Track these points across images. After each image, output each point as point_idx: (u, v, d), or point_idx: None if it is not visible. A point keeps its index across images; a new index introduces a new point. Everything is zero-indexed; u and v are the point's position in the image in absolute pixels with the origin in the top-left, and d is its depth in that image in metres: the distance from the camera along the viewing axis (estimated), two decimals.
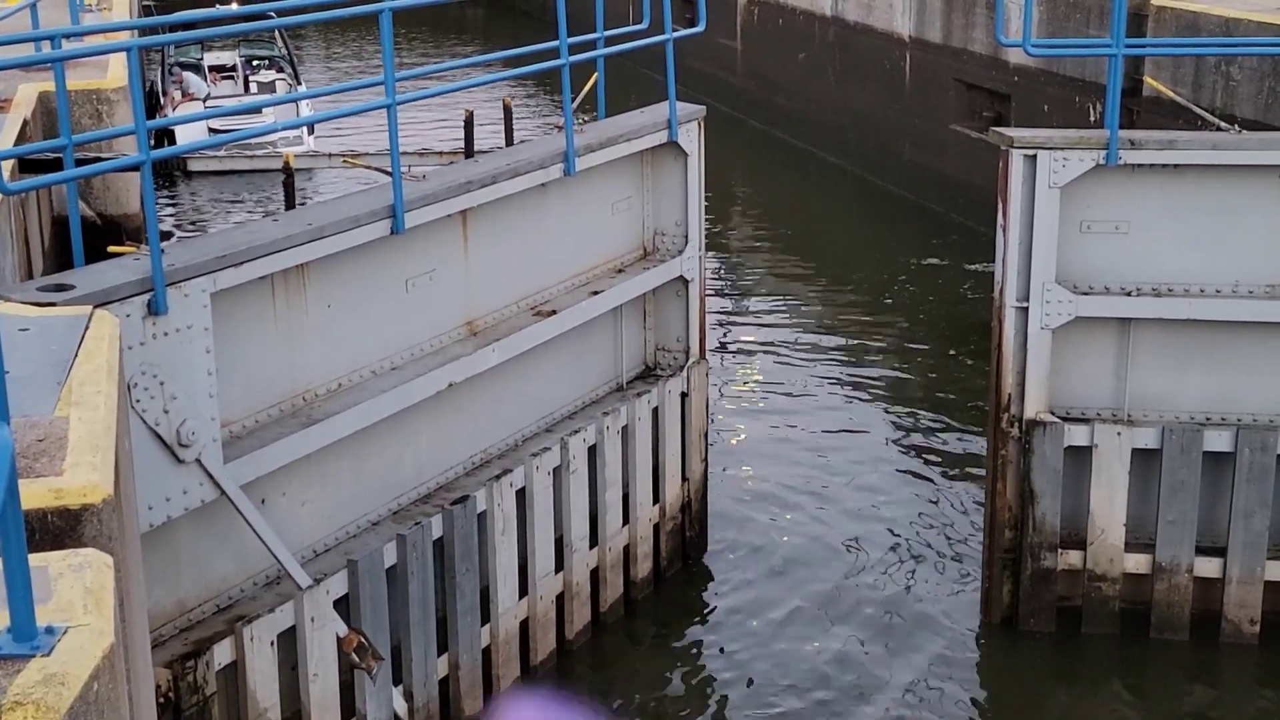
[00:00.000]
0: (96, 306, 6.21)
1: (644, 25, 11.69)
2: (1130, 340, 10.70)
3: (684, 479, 11.94)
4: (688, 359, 11.81)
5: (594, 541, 10.90)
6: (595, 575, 10.98)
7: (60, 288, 6.85)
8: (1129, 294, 10.56)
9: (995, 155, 10.61)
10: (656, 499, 11.59)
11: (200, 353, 7.49)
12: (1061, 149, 10.27)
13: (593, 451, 10.76)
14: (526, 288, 10.51)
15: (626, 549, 11.30)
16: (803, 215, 23.56)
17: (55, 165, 8.34)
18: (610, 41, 11.21)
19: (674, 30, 11.70)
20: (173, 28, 14.70)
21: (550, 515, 10.37)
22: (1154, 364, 10.72)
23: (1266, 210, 10.42)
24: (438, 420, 9.79)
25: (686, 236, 11.59)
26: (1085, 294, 10.53)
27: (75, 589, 3.80)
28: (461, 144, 15.53)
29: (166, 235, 20.23)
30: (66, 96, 7.90)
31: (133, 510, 5.73)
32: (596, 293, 10.88)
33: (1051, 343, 10.55)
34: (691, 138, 11.46)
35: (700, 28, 12.13)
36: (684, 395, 11.76)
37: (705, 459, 12.24)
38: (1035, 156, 10.28)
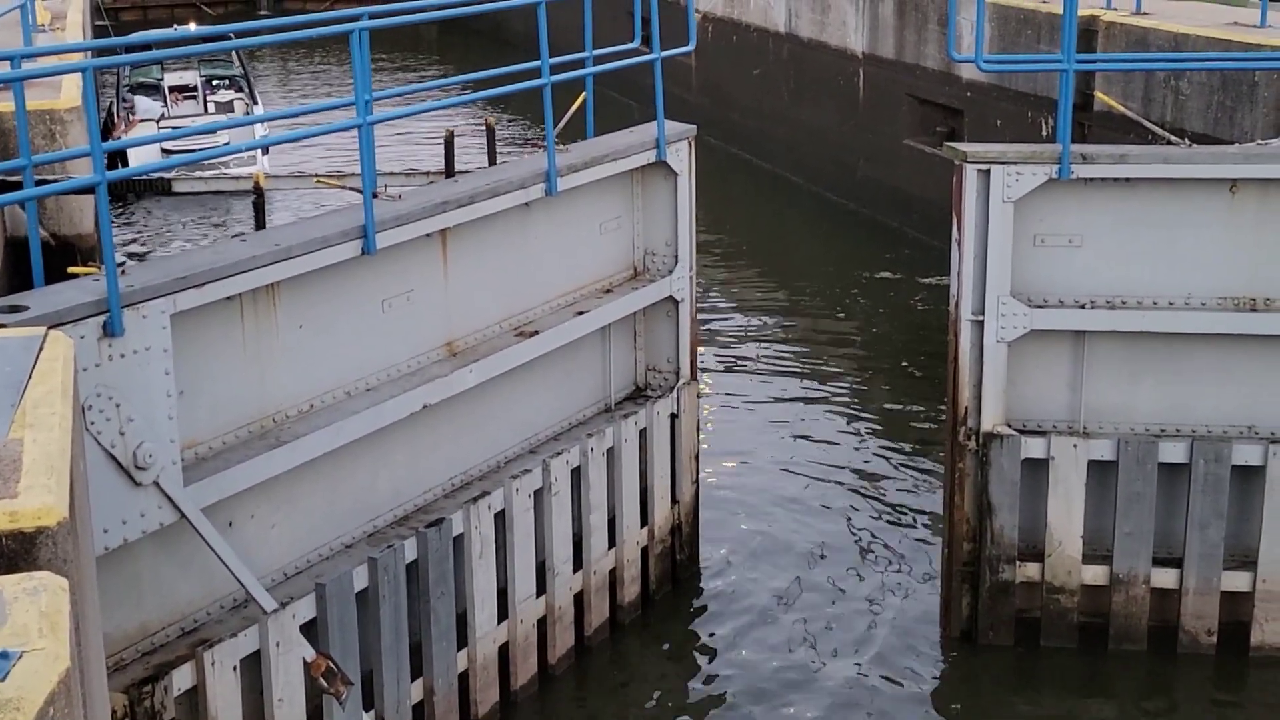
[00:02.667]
0: (51, 328, 6.15)
1: (635, 44, 11.64)
2: (1085, 353, 10.79)
3: (674, 501, 11.84)
4: (678, 380, 11.73)
5: (578, 565, 10.81)
6: (580, 599, 10.89)
7: (14, 309, 6.79)
8: (1083, 307, 10.64)
9: (948, 170, 10.69)
10: (645, 521, 11.49)
11: (159, 374, 7.42)
12: (1014, 163, 10.35)
13: (577, 473, 10.68)
14: (509, 308, 10.42)
15: (613, 572, 11.21)
16: (757, 230, 23.63)
17: (8, 187, 8.28)
18: (598, 60, 11.14)
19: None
20: (130, 48, 14.61)
21: (531, 538, 10.27)
22: (1109, 376, 10.81)
23: (1217, 223, 10.53)
24: (416, 442, 9.70)
25: (676, 256, 11.50)
26: (1040, 307, 10.61)
27: (30, 613, 3.76)
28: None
29: (137, 255, 20.15)
30: (26, 116, 7.83)
31: (88, 533, 5.68)
32: (582, 313, 10.79)
33: (1007, 356, 10.62)
34: (681, 157, 11.39)
35: (691, 46, 12.07)
36: (674, 416, 11.67)
37: (696, 481, 12.15)
38: (989, 171, 10.35)
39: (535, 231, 10.56)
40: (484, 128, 15.90)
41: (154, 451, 7.34)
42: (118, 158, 21.40)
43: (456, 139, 15.04)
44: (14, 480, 4.54)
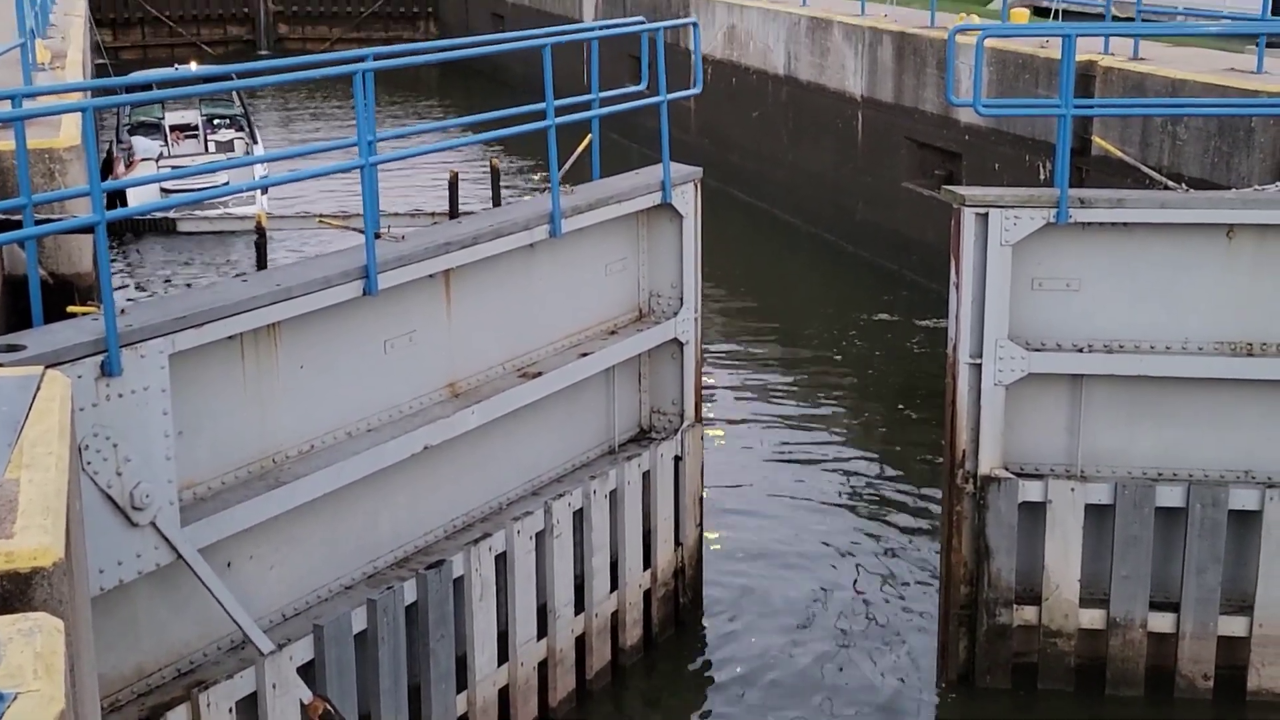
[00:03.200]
0: (48, 367, 6.16)
1: (642, 86, 11.64)
2: (1082, 396, 10.80)
3: (677, 544, 11.78)
4: (682, 422, 11.68)
5: (580, 607, 10.75)
6: (581, 642, 10.82)
7: (12, 348, 6.79)
8: (1080, 350, 10.66)
9: (946, 213, 10.72)
10: (648, 564, 11.43)
11: (157, 414, 7.41)
12: (1013, 207, 10.38)
13: (579, 515, 10.62)
14: (513, 349, 10.39)
15: (615, 615, 11.14)
16: (756, 271, 23.68)
17: (8, 226, 8.29)
18: (605, 103, 11.13)
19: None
20: (131, 88, 14.66)
21: (532, 580, 10.21)
22: (1106, 420, 10.82)
23: (1214, 268, 10.56)
24: (417, 483, 9.66)
25: (682, 298, 11.48)
26: (1037, 350, 10.62)
27: (25, 654, 3.75)
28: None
29: (136, 295, 20.14)
30: (27, 155, 7.85)
31: (84, 574, 5.67)
32: (586, 354, 10.75)
33: (1005, 399, 10.62)
34: (687, 200, 11.37)
35: (697, 89, 12.08)
36: (678, 459, 11.61)
37: (700, 524, 12.07)
38: (987, 215, 10.39)
39: (540, 272, 10.54)
40: (489, 169, 15.95)
41: (151, 492, 7.32)
42: (116, 197, 21.46)
43: (462, 180, 15.06)
44: (10, 520, 4.54)
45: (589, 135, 11.21)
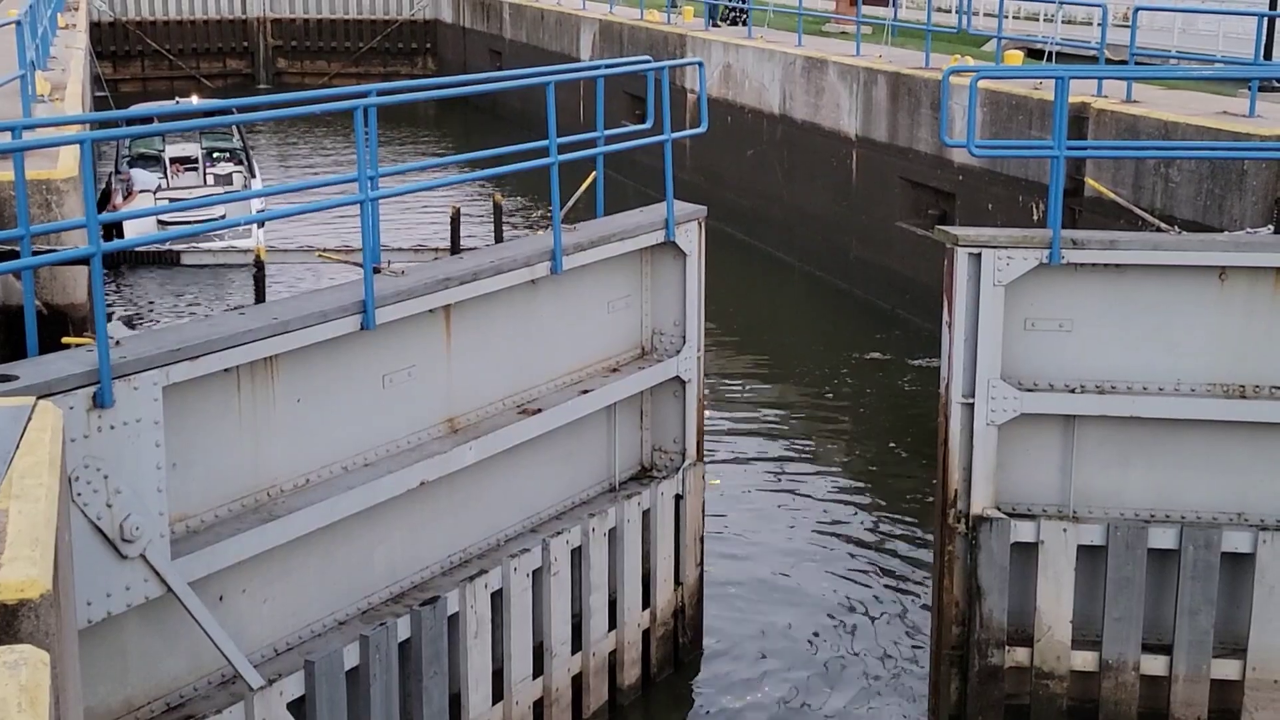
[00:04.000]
0: (40, 398, 6.16)
1: (647, 125, 11.63)
2: (1075, 437, 10.79)
3: (677, 583, 11.72)
4: (684, 460, 11.62)
5: (577, 646, 10.68)
6: (578, 681, 10.74)
7: (4, 378, 6.78)
8: (1073, 391, 10.66)
9: (939, 252, 10.75)
10: (647, 603, 11.35)
11: (149, 446, 7.39)
12: (1005, 248, 10.41)
13: (577, 553, 10.56)
14: (514, 385, 10.34)
15: (613, 654, 11.06)
16: (750, 309, 23.73)
17: (4, 256, 8.29)
18: (609, 141, 11.11)
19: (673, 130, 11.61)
20: (131, 121, 14.68)
21: (529, 618, 10.15)
22: (1099, 460, 10.82)
23: (1207, 310, 10.58)
24: (414, 518, 9.60)
25: (684, 336, 11.44)
26: (1030, 390, 10.63)
27: (10, 686, 3.73)
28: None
29: (129, 322, 20.13)
30: (25, 186, 7.85)
31: (71, 606, 5.65)
32: (586, 391, 10.69)
33: (997, 439, 10.62)
34: (691, 238, 11.34)
35: (703, 128, 12.07)
36: (678, 497, 11.55)
37: (701, 563, 12.00)
38: (980, 255, 10.41)
39: (542, 309, 10.50)
40: (492, 205, 15.97)
41: (141, 524, 7.30)
42: (113, 228, 21.48)
43: (467, 217, 15.02)
44: None
45: (593, 173, 11.20)
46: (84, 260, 7.11)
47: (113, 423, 7.17)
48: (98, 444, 7.11)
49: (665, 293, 11.51)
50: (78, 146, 9.38)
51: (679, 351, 11.45)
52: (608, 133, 11.16)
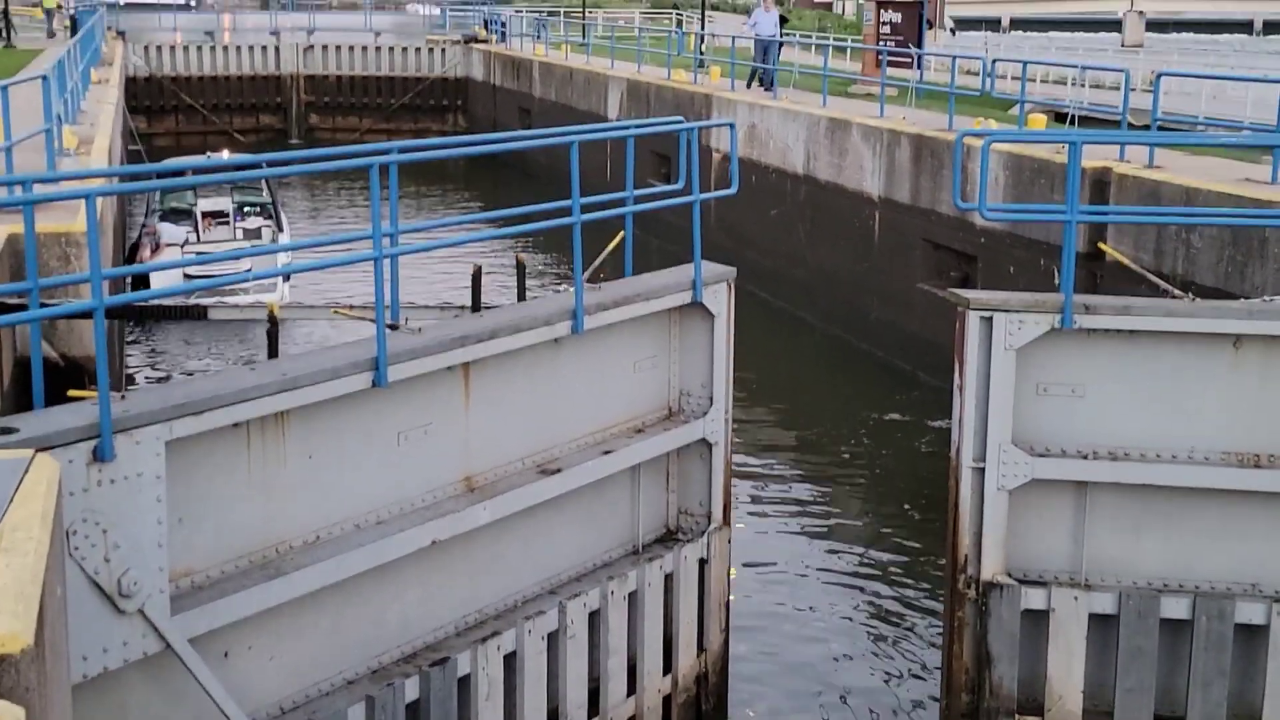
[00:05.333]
0: (39, 450, 6.18)
1: (677, 185, 11.55)
2: (1087, 503, 10.71)
3: (700, 649, 11.50)
4: (709, 524, 11.42)
5: (594, 711, 10.49)
6: None
7: (5, 431, 6.81)
8: (1085, 457, 10.59)
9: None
10: (668, 669, 11.15)
11: (150, 501, 7.35)
12: (1018, 311, 10.38)
13: (595, 616, 10.41)
14: (534, 444, 10.19)
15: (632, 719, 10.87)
16: (770, 369, 23.70)
17: (18, 307, 8.37)
18: (639, 200, 11.08)
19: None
20: (162, 174, 14.80)
21: (543, 682, 9.97)
22: (1111, 528, 10.72)
23: (1221, 377, 10.51)
24: (428, 577, 9.47)
25: (711, 398, 11.28)
26: (1042, 456, 10.56)
27: None
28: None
29: (130, 380, 20.25)
30: (35, 239, 7.93)
31: (62, 660, 5.64)
32: (608, 452, 10.54)
33: (1008, 504, 10.55)
34: (720, 299, 11.22)
35: (733, 189, 12.02)
36: (703, 562, 11.35)
37: (726, 629, 11.77)
38: (992, 318, 10.39)
39: (565, 368, 10.38)
40: (515, 264, 15.97)
41: (140, 579, 7.27)
42: (140, 281, 21.68)
43: (493, 275, 15.01)
44: None
45: (621, 232, 11.15)
46: (88, 314, 7.15)
47: (113, 477, 7.16)
48: (97, 498, 7.10)
49: (693, 354, 11.37)
50: (103, 200, 9.50)
51: (706, 413, 11.28)
52: (637, 192, 11.16)
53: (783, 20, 32.88)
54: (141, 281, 21.58)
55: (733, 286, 11.45)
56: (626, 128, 11.47)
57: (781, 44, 31.39)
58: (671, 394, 11.43)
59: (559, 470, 10.14)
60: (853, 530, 16.50)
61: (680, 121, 11.65)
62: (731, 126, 12.45)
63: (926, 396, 20.39)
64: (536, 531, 10.29)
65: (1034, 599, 10.58)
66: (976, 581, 10.63)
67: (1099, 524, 10.72)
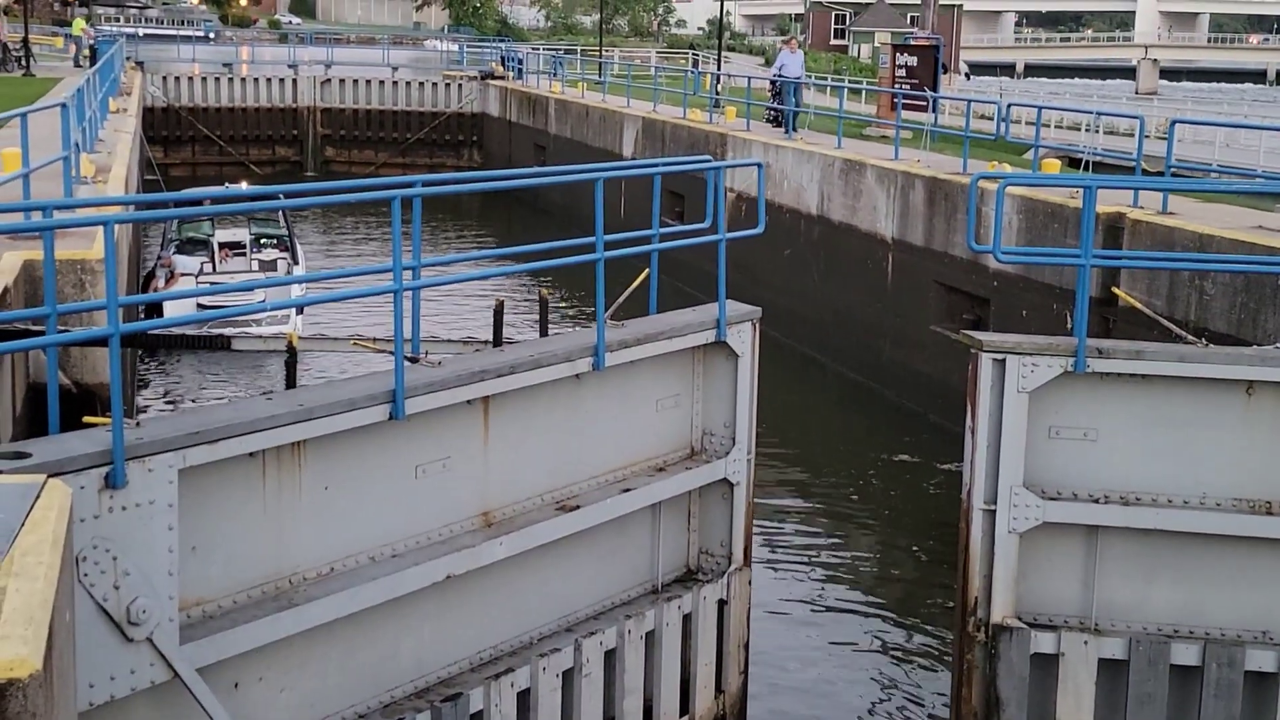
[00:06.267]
0: (51, 476, 6.19)
1: (706, 224, 11.53)
2: (1098, 547, 10.68)
3: (719, 690, 11.39)
4: (730, 565, 11.32)
5: None
6: None
7: (18, 455, 6.82)
8: (1096, 501, 10.57)
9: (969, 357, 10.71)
10: (685, 710, 11.04)
11: (161, 529, 7.33)
12: (1030, 354, 10.38)
13: (611, 655, 10.32)
14: (554, 480, 10.12)
15: None
16: (779, 407, 23.65)
17: (29, 335, 8.39)
18: (664, 238, 11.04)
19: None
20: (179, 203, 14.85)
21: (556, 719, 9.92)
22: (1122, 573, 10.69)
23: (1234, 424, 10.50)
24: (444, 613, 9.42)
25: (734, 438, 11.21)
26: (1053, 499, 10.54)
27: None
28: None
29: (142, 410, 20.28)
30: (54, 265, 7.96)
31: (69, 686, 5.63)
32: (628, 490, 10.46)
33: (1019, 547, 10.52)
34: (744, 339, 11.18)
35: (760, 229, 11.99)
36: (722, 602, 11.26)
37: (745, 671, 11.66)
38: (1004, 361, 10.39)
39: (586, 405, 10.32)
40: (539, 299, 16.01)
41: (149, 607, 7.24)
42: (154, 310, 21.75)
43: (516, 311, 14.93)
44: None
45: (645, 270, 11.12)
46: (103, 341, 7.17)
47: (124, 504, 7.16)
48: (108, 525, 7.09)
49: (716, 393, 11.30)
50: (118, 228, 9.53)
51: (728, 453, 11.20)
52: (663, 230, 11.16)
53: None
54: (155, 311, 21.64)
55: (758, 326, 11.40)
56: (653, 165, 11.45)
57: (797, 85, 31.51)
58: (694, 433, 11.36)
59: (578, 507, 10.06)
60: (861, 571, 16.44)
61: (708, 160, 11.64)
62: (760, 166, 12.41)
63: (936, 438, 20.36)
64: (554, 568, 10.21)
65: (1043, 643, 10.54)
66: (986, 624, 10.59)
67: (1110, 568, 10.68)
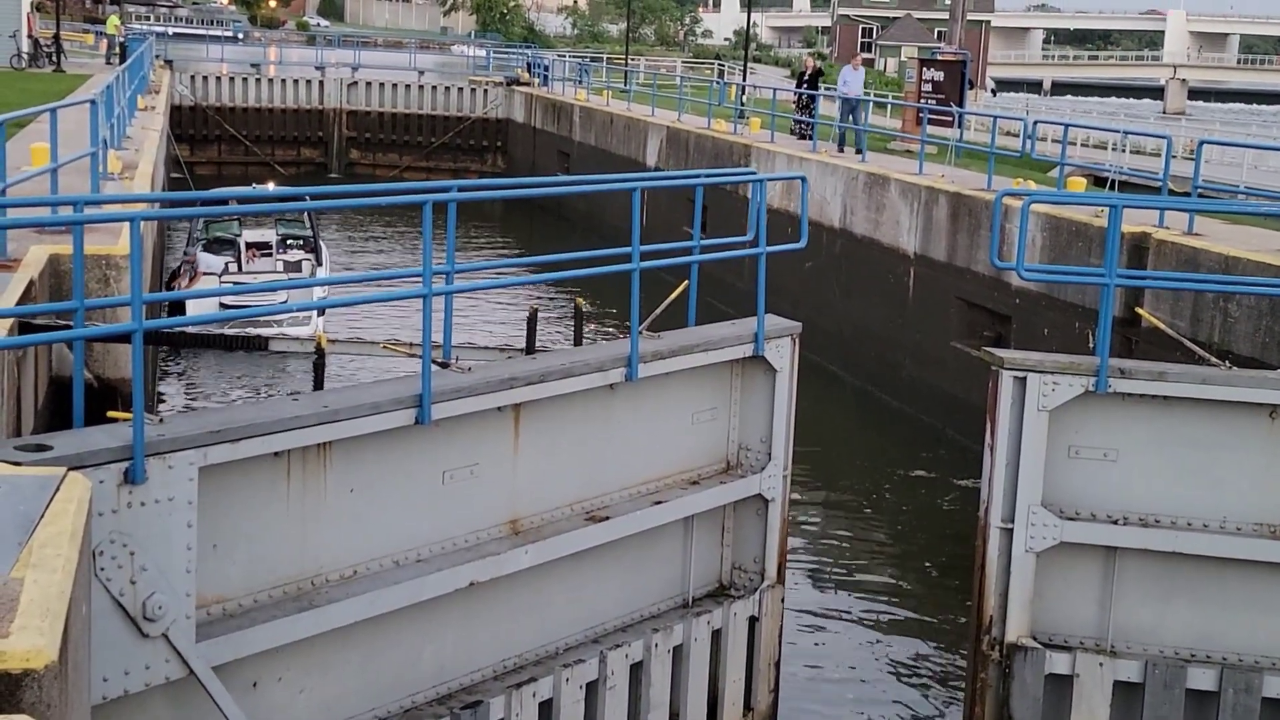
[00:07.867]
0: (71, 469, 6.20)
1: (749, 237, 11.48)
2: (1116, 569, 10.63)
3: (747, 708, 11.29)
4: (762, 581, 11.23)
5: None
6: None
7: (39, 448, 6.84)
8: (1115, 522, 10.52)
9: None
10: None
11: (180, 526, 7.33)
12: (1051, 373, 10.34)
13: (637, 669, 10.25)
14: (584, 490, 10.07)
15: None
16: (799, 421, 23.56)
17: (53, 328, 8.42)
18: (705, 250, 11.00)
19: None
20: (204, 203, 14.89)
21: None
22: (1139, 595, 10.63)
23: (1256, 447, 10.44)
24: (468, 620, 9.37)
25: (770, 454, 11.15)
26: (1071, 519, 10.49)
27: None
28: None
29: (162, 399, 20.33)
30: (83, 260, 7.97)
31: (83, 679, 5.64)
32: (659, 502, 10.39)
33: (1035, 566, 10.47)
34: (783, 354, 11.12)
35: (802, 243, 11.95)
36: (754, 619, 11.17)
37: (775, 689, 11.55)
38: (1025, 379, 10.35)
39: (620, 415, 10.27)
40: (574, 308, 15.98)
41: (165, 603, 7.24)
42: (177, 308, 21.81)
43: (550, 320, 14.82)
44: (8, 620, 4.55)
45: (685, 281, 11.06)
46: (126, 337, 7.18)
47: (144, 499, 7.17)
48: (127, 520, 7.10)
49: (753, 408, 11.22)
50: (141, 224, 9.56)
51: (764, 468, 11.12)
52: (704, 242, 11.09)
53: (819, 74, 32.84)
54: (178, 309, 21.70)
55: (797, 341, 11.30)
56: (694, 176, 11.42)
57: (819, 98, 31.41)
58: (730, 447, 11.30)
59: (608, 518, 10.01)
60: (876, 586, 16.37)
61: (753, 173, 11.60)
62: (803, 180, 12.36)
63: (954, 455, 20.29)
64: (581, 579, 10.15)
65: (1058, 663, 10.49)
66: (1001, 643, 10.54)
67: (1127, 590, 10.63)
